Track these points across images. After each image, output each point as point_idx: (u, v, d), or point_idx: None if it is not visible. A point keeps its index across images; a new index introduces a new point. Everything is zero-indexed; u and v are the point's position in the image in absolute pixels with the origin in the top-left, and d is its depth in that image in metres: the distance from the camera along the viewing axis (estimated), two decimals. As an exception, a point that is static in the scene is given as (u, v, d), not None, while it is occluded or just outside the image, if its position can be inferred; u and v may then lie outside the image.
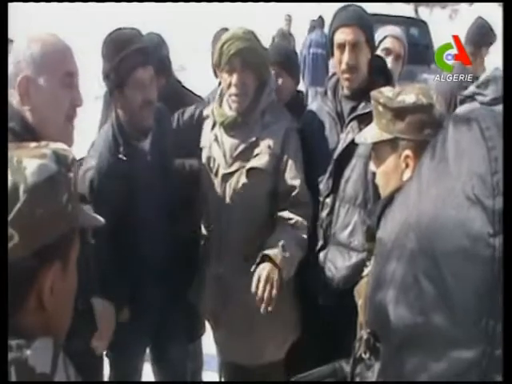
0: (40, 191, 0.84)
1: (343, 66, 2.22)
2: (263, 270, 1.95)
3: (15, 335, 0.79)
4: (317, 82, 8.11)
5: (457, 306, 0.59)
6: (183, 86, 3.00)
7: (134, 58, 1.94)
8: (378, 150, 1.61)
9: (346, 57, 2.19)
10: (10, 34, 1.50)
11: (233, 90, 2.14)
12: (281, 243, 2.01)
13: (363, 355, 0.92)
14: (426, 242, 0.63)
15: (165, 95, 2.38)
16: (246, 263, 2.03)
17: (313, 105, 2.46)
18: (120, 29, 2.06)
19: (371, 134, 1.65)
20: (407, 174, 1.47)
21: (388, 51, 2.66)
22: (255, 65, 2.13)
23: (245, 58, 2.10)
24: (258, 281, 1.94)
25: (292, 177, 2.15)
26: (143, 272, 2.00)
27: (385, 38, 2.72)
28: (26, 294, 0.83)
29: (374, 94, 1.67)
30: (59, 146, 0.97)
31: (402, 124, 1.54)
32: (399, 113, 1.55)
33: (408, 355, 0.64)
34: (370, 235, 1.61)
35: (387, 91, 1.64)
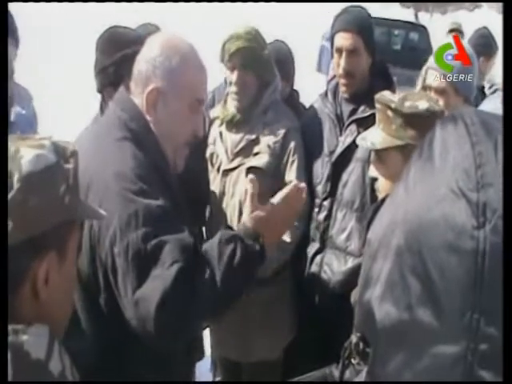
0: (35, 180, 0.86)
1: (340, 71, 2.24)
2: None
3: (11, 320, 0.80)
4: (322, 70, 9.68)
5: (441, 300, 0.58)
6: None
7: None
8: (385, 155, 1.58)
9: (342, 62, 2.20)
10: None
11: (233, 88, 2.17)
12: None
13: (352, 360, 0.91)
14: (412, 237, 0.63)
15: None
16: None
17: (315, 103, 2.48)
18: (117, 26, 2.05)
19: (379, 139, 1.61)
20: None
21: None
22: (255, 64, 2.15)
23: (244, 58, 2.12)
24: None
25: (292, 177, 2.16)
26: None
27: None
28: (21, 281, 0.86)
29: (382, 98, 1.64)
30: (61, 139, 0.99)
31: (413, 131, 1.52)
32: (411, 119, 1.53)
33: (393, 353, 0.63)
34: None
35: (389, 95, 1.63)
